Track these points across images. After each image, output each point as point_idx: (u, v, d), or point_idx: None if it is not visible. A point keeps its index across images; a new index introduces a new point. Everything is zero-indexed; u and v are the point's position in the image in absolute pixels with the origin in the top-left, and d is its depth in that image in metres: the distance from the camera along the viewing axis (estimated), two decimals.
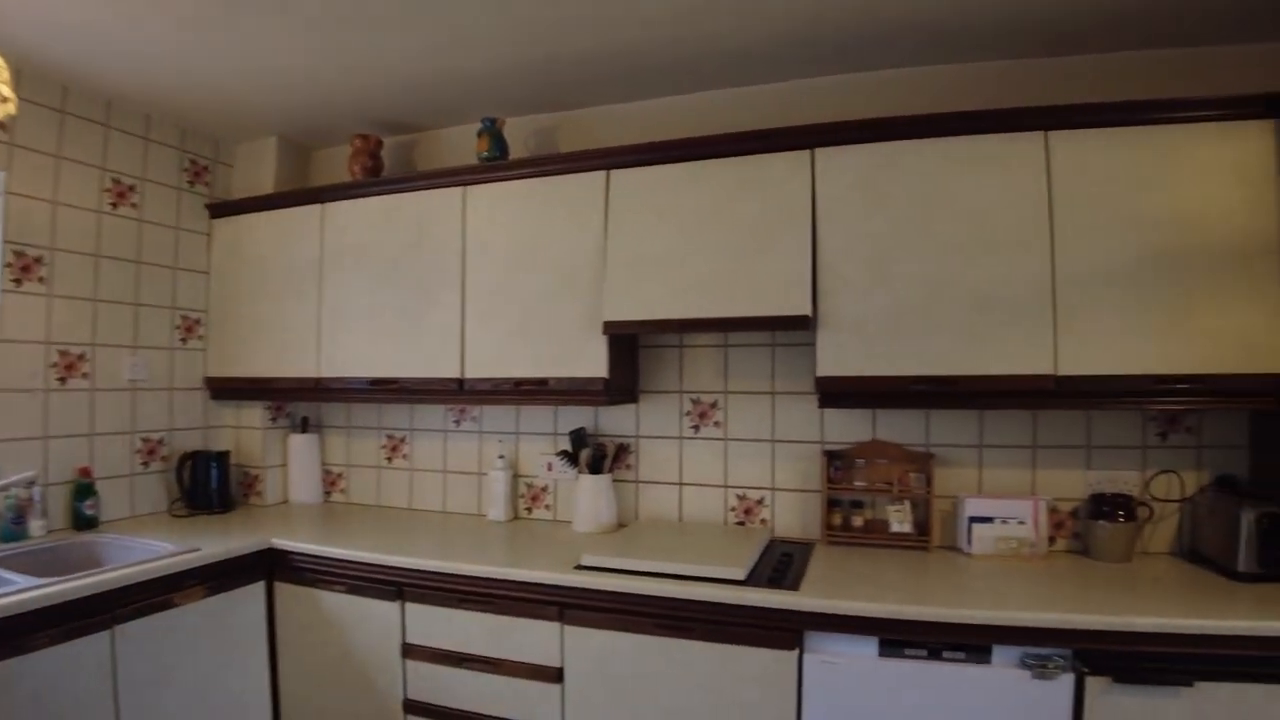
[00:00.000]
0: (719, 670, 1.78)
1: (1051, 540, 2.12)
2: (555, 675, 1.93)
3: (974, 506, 2.11)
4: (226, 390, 2.81)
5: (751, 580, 1.83)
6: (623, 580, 1.86)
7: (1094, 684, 1.55)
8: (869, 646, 1.69)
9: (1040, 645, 1.58)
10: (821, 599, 1.71)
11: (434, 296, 2.42)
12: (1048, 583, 1.83)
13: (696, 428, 2.47)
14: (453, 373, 2.38)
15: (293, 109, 2.61)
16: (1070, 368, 1.84)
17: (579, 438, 2.48)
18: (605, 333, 2.18)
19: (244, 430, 2.89)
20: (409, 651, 2.09)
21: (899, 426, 2.28)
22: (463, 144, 2.74)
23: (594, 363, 2.22)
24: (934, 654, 1.65)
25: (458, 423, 2.77)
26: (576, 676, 1.91)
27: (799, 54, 2.22)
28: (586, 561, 1.96)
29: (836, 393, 2.02)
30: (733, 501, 2.42)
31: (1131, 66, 2.12)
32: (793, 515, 2.36)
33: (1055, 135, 1.87)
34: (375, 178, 2.64)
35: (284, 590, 2.28)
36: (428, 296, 2.43)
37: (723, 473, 2.43)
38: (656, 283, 2.14)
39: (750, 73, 2.37)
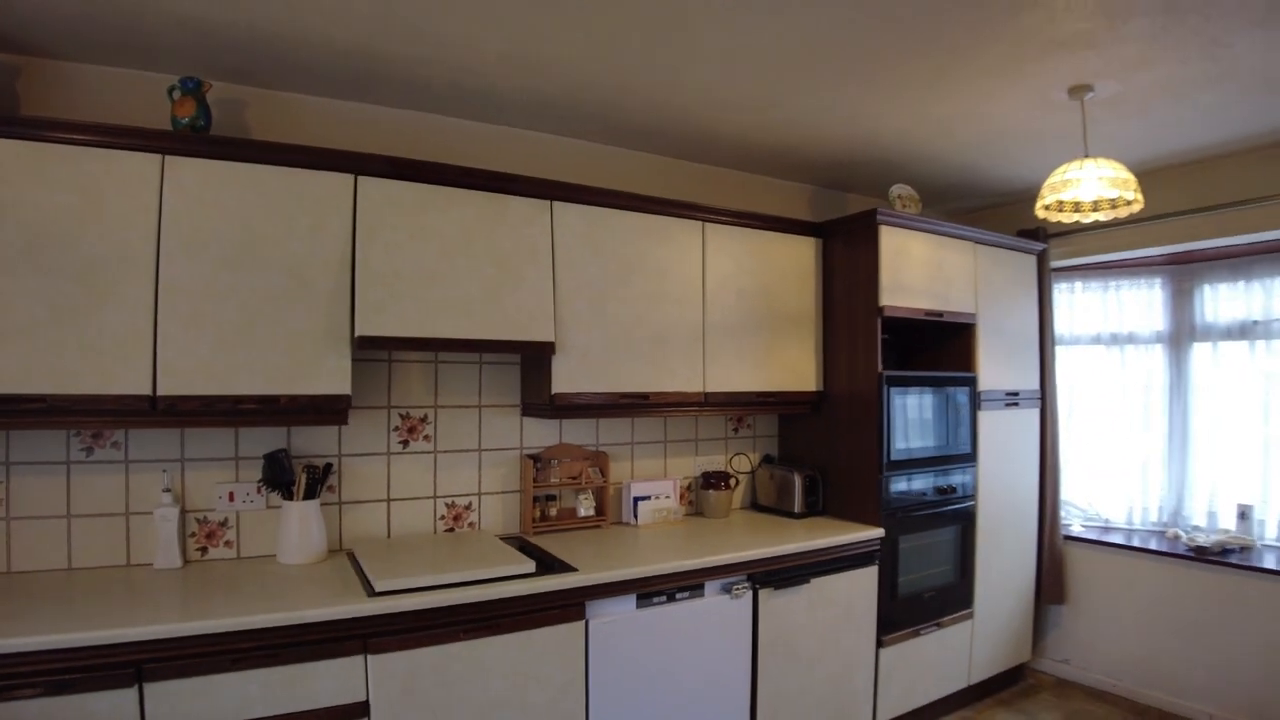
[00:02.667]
0: (521, 655, 2.26)
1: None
2: (360, 710, 2.05)
3: (636, 489, 3.10)
4: None
5: (539, 570, 2.37)
6: (432, 596, 2.14)
7: (763, 594, 2.69)
8: (629, 603, 2.46)
9: (725, 576, 2.62)
10: (597, 573, 2.38)
11: (110, 288, 2.06)
12: (697, 535, 2.93)
13: (405, 443, 2.75)
14: (140, 388, 2.09)
15: None
16: (710, 384, 2.98)
17: (278, 461, 2.47)
18: (360, 347, 2.33)
19: None
20: None
21: (577, 432, 3.09)
22: (126, 93, 2.39)
23: (337, 378, 2.32)
24: (669, 597, 2.54)
25: (89, 451, 2.32)
26: (383, 704, 2.08)
27: (533, 111, 2.85)
28: (384, 587, 2.13)
29: (566, 405, 2.70)
30: (442, 510, 2.81)
31: (734, 181, 3.53)
32: (497, 515, 2.91)
33: (709, 227, 3.01)
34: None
35: None
36: (100, 287, 2.05)
37: (432, 484, 2.80)
38: (414, 300, 2.41)
39: (495, 112, 2.85)
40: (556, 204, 2.70)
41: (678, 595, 2.57)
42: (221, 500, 2.50)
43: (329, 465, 2.59)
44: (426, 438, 2.80)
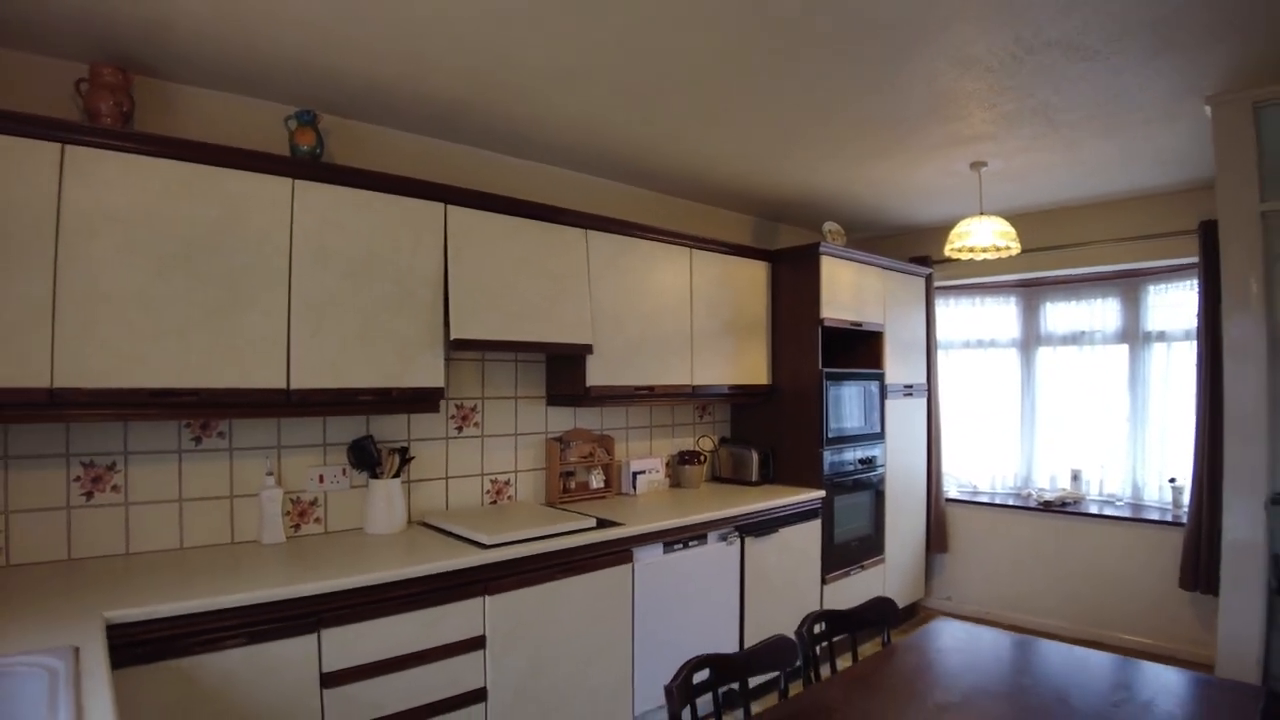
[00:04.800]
0: (589, 591, 2.92)
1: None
2: (479, 642, 2.61)
3: (635, 465, 3.80)
4: None
5: (599, 526, 3.00)
6: (528, 546, 2.74)
7: (748, 541, 3.45)
8: (659, 549, 3.16)
9: (722, 528, 3.37)
10: (637, 526, 3.07)
11: (252, 294, 2.46)
12: (682, 500, 3.66)
13: (460, 429, 3.28)
14: (277, 382, 2.50)
15: None
16: (696, 380, 3.73)
17: (364, 447, 2.91)
18: (454, 348, 2.87)
19: None
20: (328, 681, 2.28)
21: (587, 419, 3.73)
22: (236, 119, 2.75)
23: (434, 373, 2.85)
24: (685, 545, 3.26)
25: (198, 441, 2.64)
26: (496, 635, 2.65)
27: (571, 155, 3.53)
28: (493, 541, 2.70)
29: (599, 395, 3.36)
30: (487, 485, 3.37)
31: (698, 211, 4.32)
32: (529, 488, 3.50)
33: (695, 253, 3.80)
34: (129, 128, 2.32)
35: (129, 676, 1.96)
36: (243, 294, 2.44)
37: (480, 463, 3.34)
38: (494, 309, 2.98)
39: (546, 154, 3.52)
40: (591, 232, 3.36)
41: (690, 543, 3.32)
42: (312, 482, 2.92)
43: (406, 448, 3.07)
44: (476, 424, 3.35)
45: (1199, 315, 4.00)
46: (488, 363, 3.41)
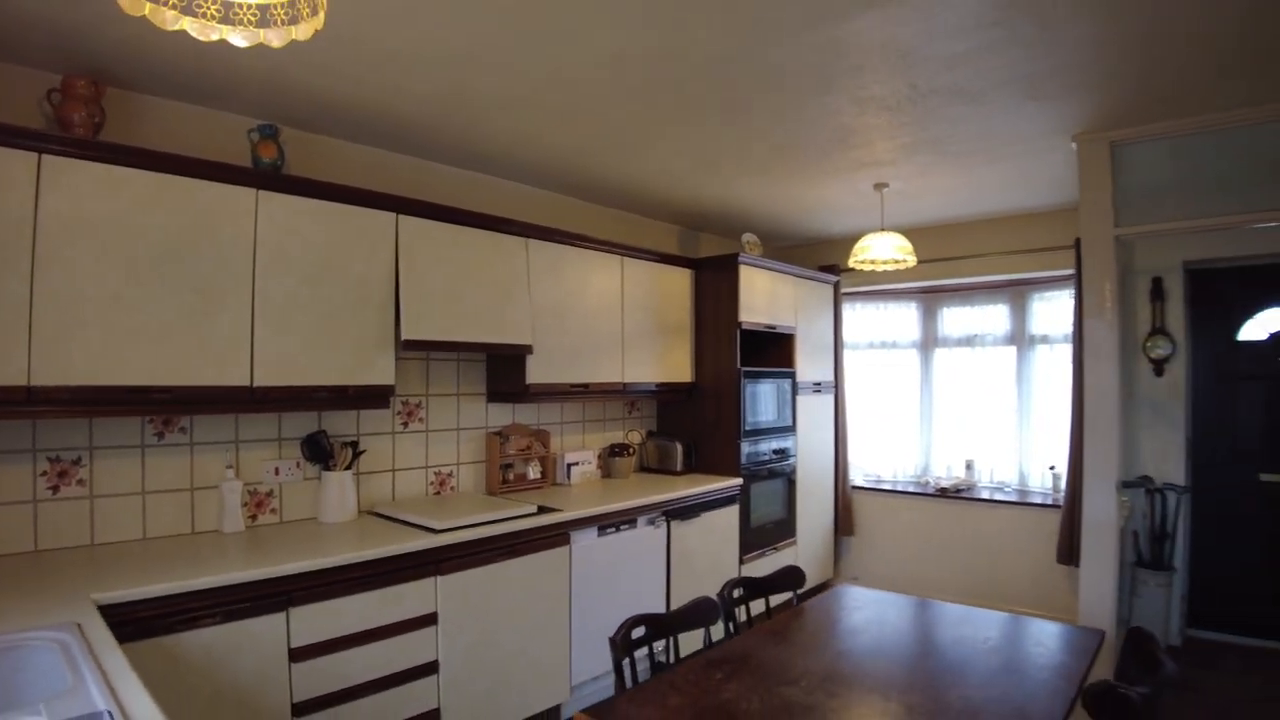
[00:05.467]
0: (530, 571, 3.23)
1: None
2: (432, 619, 2.88)
3: (569, 457, 4.10)
4: None
5: (540, 512, 3.29)
6: (476, 531, 3.03)
7: (674, 524, 3.80)
8: (594, 533, 3.49)
9: (650, 513, 3.71)
10: (573, 512, 3.39)
11: (219, 299, 2.67)
12: (614, 489, 4.00)
13: (406, 424, 3.51)
14: (242, 380, 2.71)
15: None
16: (627, 377, 4.05)
17: (318, 441, 3.12)
18: (405, 348, 3.12)
19: None
20: (296, 655, 2.51)
21: (524, 414, 4.01)
22: (201, 130, 2.95)
23: (386, 372, 3.09)
24: (616, 528, 3.60)
25: (160, 436, 2.81)
26: (448, 611, 2.93)
27: (514, 168, 3.81)
28: (443, 526, 2.98)
29: (538, 392, 3.66)
30: (431, 477, 3.61)
31: (629, 220, 4.64)
32: (469, 480, 3.77)
33: (626, 260, 4.14)
34: (100, 138, 2.49)
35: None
36: (211, 297, 2.65)
37: (424, 456, 3.58)
38: (443, 312, 3.24)
39: (490, 166, 3.80)
40: (531, 241, 3.65)
41: (622, 527, 3.66)
42: (269, 474, 3.12)
43: (357, 443, 3.29)
44: (421, 420, 3.60)
45: (1074, 321, 4.59)
46: (432, 362, 3.66)
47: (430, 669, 2.87)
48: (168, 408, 2.61)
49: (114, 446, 2.77)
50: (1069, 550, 4.59)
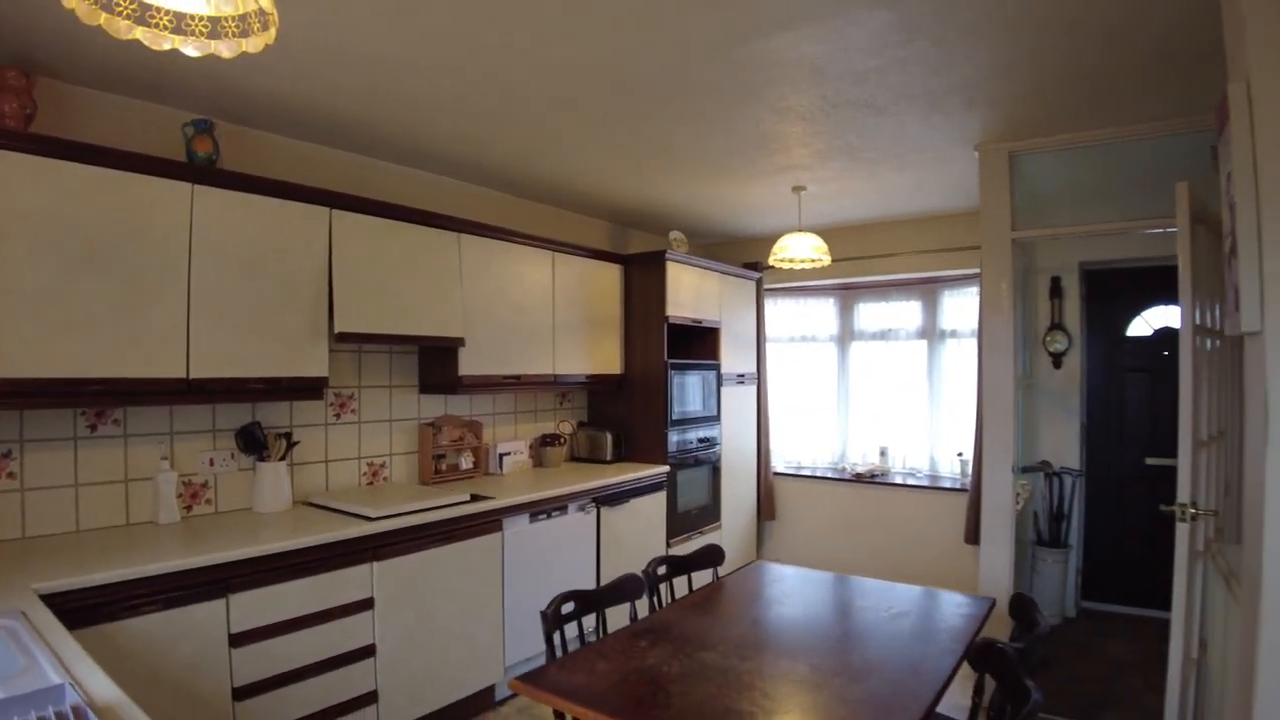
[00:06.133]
0: (464, 557, 3.39)
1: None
2: (369, 603, 3.02)
3: (501, 447, 4.26)
4: None
5: (472, 500, 3.44)
6: (412, 518, 3.18)
7: (603, 510, 4.00)
8: (525, 520, 3.66)
9: (580, 500, 3.91)
10: (506, 499, 3.56)
11: (155, 291, 2.73)
12: (545, 477, 4.18)
13: (339, 415, 3.61)
14: (178, 372, 2.79)
15: None
16: (558, 369, 4.24)
17: (252, 432, 3.20)
18: (338, 340, 3.23)
19: None
20: (237, 641, 2.62)
21: (457, 406, 4.14)
22: (136, 123, 2.99)
23: (320, 364, 3.20)
24: (548, 515, 3.78)
25: (93, 428, 2.86)
26: (383, 596, 3.07)
27: (448, 164, 3.93)
28: (379, 514, 3.10)
29: (470, 384, 3.80)
30: (364, 468, 3.72)
31: (564, 217, 4.79)
32: (402, 470, 3.89)
33: (557, 255, 4.30)
34: (31, 130, 2.51)
35: None
36: (146, 290, 2.71)
37: (357, 447, 3.68)
38: (375, 305, 3.36)
39: (426, 162, 3.91)
40: (464, 236, 3.79)
41: (553, 513, 3.85)
42: (203, 465, 3.19)
43: (290, 434, 3.38)
44: (353, 411, 3.70)
45: (979, 317, 4.95)
46: (365, 354, 3.77)
47: (368, 652, 3.01)
48: (101, 400, 2.67)
49: (45, 439, 2.81)
50: (975, 531, 4.98)
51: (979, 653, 2.10)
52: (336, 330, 3.23)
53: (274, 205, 3.08)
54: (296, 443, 3.39)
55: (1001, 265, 3.87)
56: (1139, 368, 4.95)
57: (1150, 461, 4.88)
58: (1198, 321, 2.65)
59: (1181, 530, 2.56)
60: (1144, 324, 4.98)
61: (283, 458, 3.31)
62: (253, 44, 1.70)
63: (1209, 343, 2.84)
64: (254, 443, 3.25)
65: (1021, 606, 2.48)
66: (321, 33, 2.51)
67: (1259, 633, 1.88)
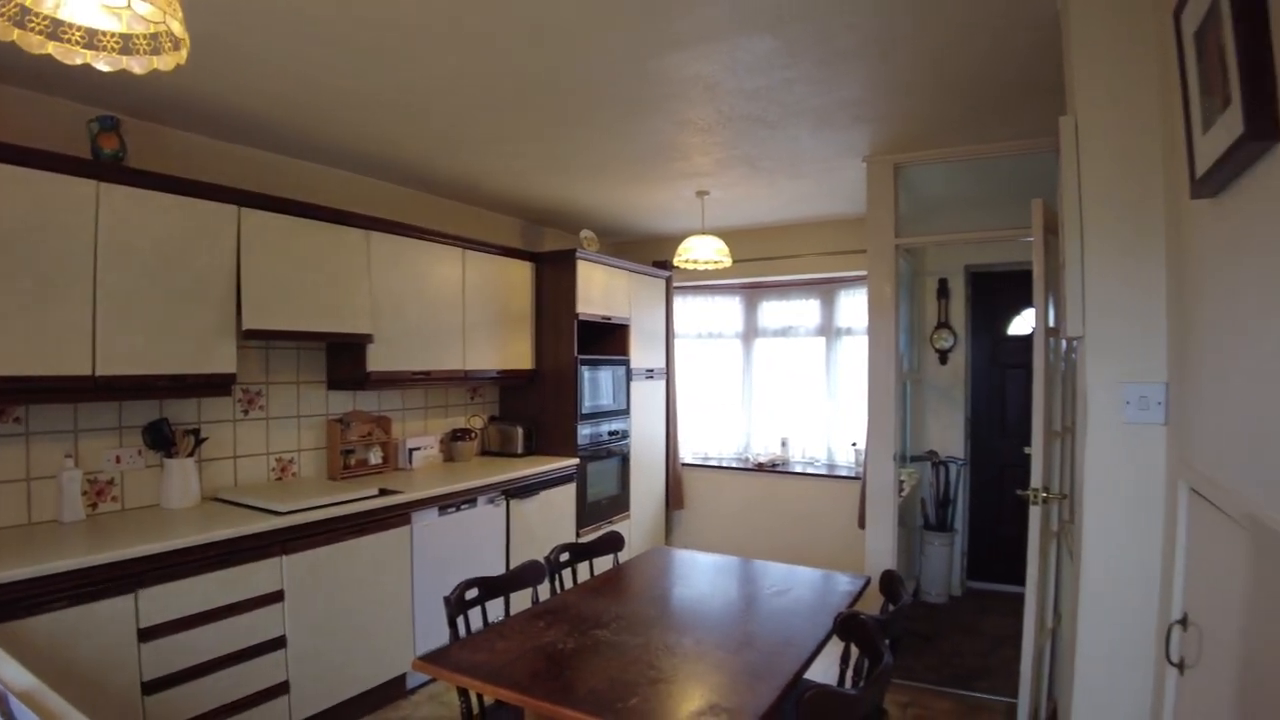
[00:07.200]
0: (374, 550, 3.56)
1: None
2: (279, 596, 3.16)
3: (411, 442, 4.41)
4: None
5: (381, 494, 3.61)
6: (321, 512, 3.32)
7: (513, 502, 4.22)
8: (434, 513, 3.84)
9: (489, 493, 4.11)
10: (414, 493, 3.74)
11: (60, 289, 2.79)
12: (456, 471, 4.37)
13: (247, 411, 3.71)
14: (83, 370, 2.85)
15: None
16: (469, 365, 4.43)
17: (160, 429, 3.28)
18: (246, 337, 3.35)
19: None
20: (145, 635, 2.72)
21: (366, 401, 4.28)
22: (38, 116, 3.03)
23: (228, 361, 3.31)
24: (457, 508, 3.97)
25: None
26: (293, 589, 3.21)
27: (358, 161, 4.06)
28: (287, 509, 3.24)
29: (379, 379, 3.95)
30: (273, 464, 3.83)
31: (476, 214, 4.95)
32: (311, 466, 4.01)
33: (468, 253, 4.47)
34: None
35: None
36: (52, 287, 2.77)
37: (265, 443, 3.79)
38: (283, 302, 3.48)
39: (339, 160, 4.03)
40: (373, 233, 3.93)
41: (462, 506, 4.04)
42: (109, 463, 3.26)
43: (198, 430, 3.48)
44: (261, 407, 3.81)
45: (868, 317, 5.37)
46: (273, 350, 3.87)
47: (279, 643, 3.15)
48: (3, 398, 2.73)
49: None
50: (865, 516, 5.41)
51: (843, 624, 2.41)
52: (245, 327, 3.34)
53: (182, 203, 3.16)
54: (205, 439, 3.49)
55: (886, 269, 4.26)
56: (1018, 364, 5.44)
57: (1028, 451, 5.35)
58: (1051, 324, 3.05)
59: (1035, 513, 2.94)
60: (1023, 323, 5.48)
61: (191, 454, 3.40)
62: (164, 62, 1.83)
63: (1064, 344, 3.25)
64: (162, 439, 3.34)
65: (890, 583, 2.82)
66: (233, 35, 2.62)
67: (1080, 585, 2.27)
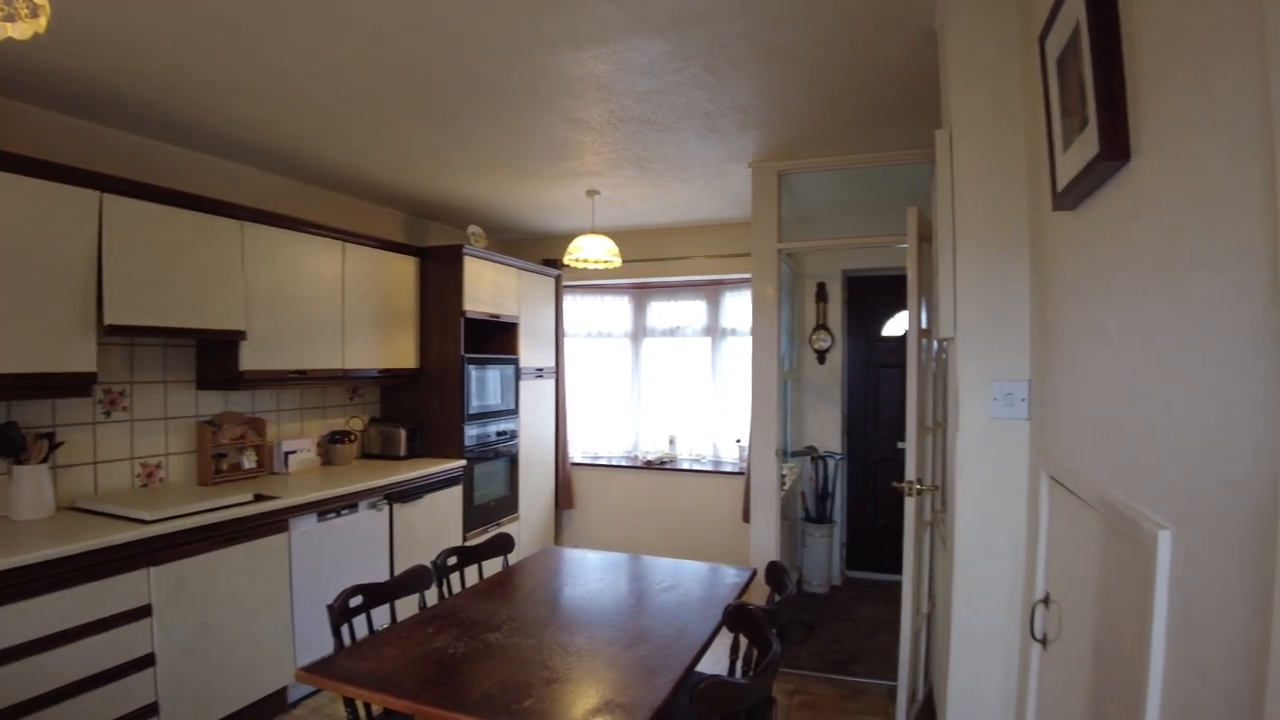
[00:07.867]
0: (250, 558, 3.43)
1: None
2: (146, 611, 3.00)
3: (287, 445, 4.27)
4: None
5: (256, 500, 3.49)
6: (194, 519, 3.18)
7: (396, 506, 4.16)
8: (313, 519, 3.74)
9: (371, 497, 4.04)
10: (291, 499, 3.64)
11: None
12: (335, 475, 4.27)
13: (108, 413, 3.48)
14: None
15: None
16: (348, 364, 4.32)
17: (8, 433, 3.04)
18: (107, 334, 3.16)
19: None
20: None
21: (239, 402, 4.11)
22: None
23: (86, 359, 3.11)
24: (337, 513, 3.88)
25: None
26: (162, 603, 3.06)
27: (232, 148, 3.89)
28: (155, 517, 3.08)
29: (251, 379, 3.80)
30: (137, 469, 3.62)
31: (358, 207, 4.82)
32: (179, 471, 3.81)
33: (348, 246, 4.38)
34: None
35: None
36: None
37: (129, 448, 3.58)
38: (149, 296, 3.31)
39: (210, 145, 3.86)
40: (247, 224, 3.79)
41: (342, 511, 3.96)
42: None
43: (54, 434, 3.25)
44: (125, 409, 3.60)
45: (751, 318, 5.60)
46: (137, 347, 3.67)
47: (146, 662, 3.00)
48: None
49: None
50: (749, 510, 5.62)
51: (732, 615, 2.53)
52: (106, 322, 3.15)
53: (36, 186, 2.95)
54: (60, 443, 3.27)
55: (769, 272, 4.44)
56: (892, 364, 5.79)
57: (901, 445, 5.72)
58: (923, 326, 3.27)
59: (910, 504, 3.14)
60: (897, 325, 5.82)
61: (44, 460, 3.18)
62: (20, 30, 1.75)
63: (934, 344, 3.49)
64: (10, 444, 3.11)
65: (775, 573, 2.96)
66: (101, 11, 2.49)
67: (953, 570, 2.47)
